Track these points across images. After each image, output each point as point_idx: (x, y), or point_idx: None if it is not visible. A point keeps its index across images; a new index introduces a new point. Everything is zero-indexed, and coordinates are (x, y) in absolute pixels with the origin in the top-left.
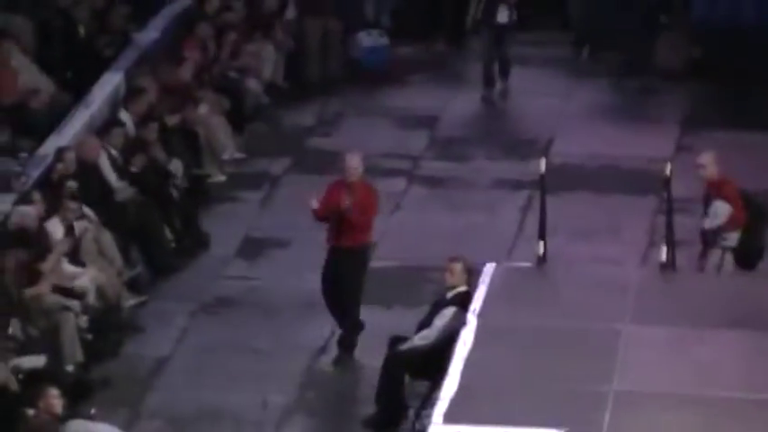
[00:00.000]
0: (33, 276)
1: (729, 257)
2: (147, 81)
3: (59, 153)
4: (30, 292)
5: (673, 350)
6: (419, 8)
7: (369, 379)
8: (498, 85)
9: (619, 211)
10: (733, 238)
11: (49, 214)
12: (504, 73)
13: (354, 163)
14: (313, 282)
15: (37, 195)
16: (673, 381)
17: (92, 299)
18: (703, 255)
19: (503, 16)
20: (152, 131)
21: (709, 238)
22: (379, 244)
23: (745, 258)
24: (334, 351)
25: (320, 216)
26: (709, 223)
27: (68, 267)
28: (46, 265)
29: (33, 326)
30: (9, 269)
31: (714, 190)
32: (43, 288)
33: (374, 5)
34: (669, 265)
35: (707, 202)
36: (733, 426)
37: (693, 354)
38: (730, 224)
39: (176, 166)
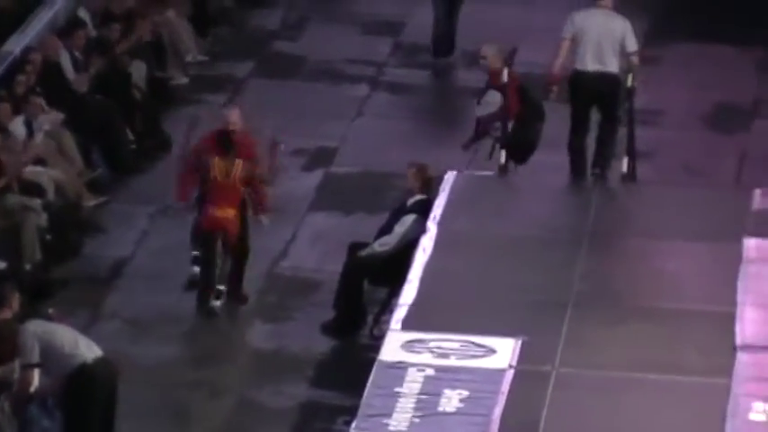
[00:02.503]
0: None
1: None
2: None
3: (25, 53)
4: None
5: (633, 261)
6: None
7: (328, 284)
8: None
9: None
10: (500, 129)
11: (13, 112)
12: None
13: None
14: (274, 185)
15: (1, 93)
16: (632, 291)
17: (52, 196)
18: (472, 142)
19: None
20: (114, 32)
21: (482, 128)
22: (340, 150)
23: (516, 150)
24: (294, 255)
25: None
26: (480, 111)
27: (29, 166)
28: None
29: None
30: None
31: (494, 79)
32: (3, 183)
33: None
34: (630, 177)
35: (484, 91)
36: (691, 337)
37: (653, 265)
38: (501, 115)
39: (139, 67)
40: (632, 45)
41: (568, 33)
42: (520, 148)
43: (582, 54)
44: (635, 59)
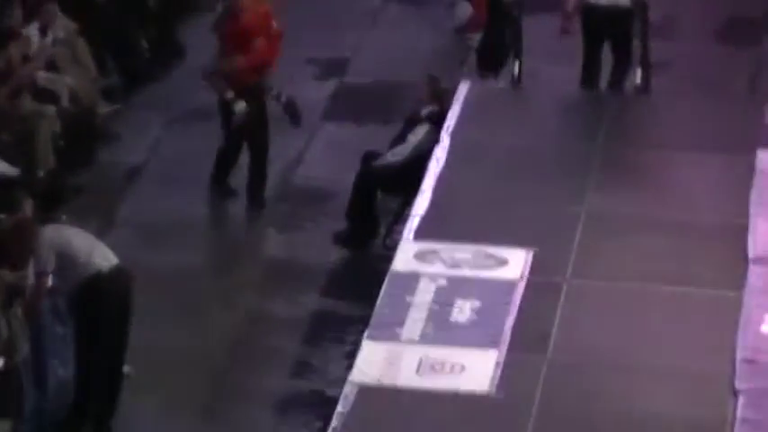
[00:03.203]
0: (7, 80)
1: (475, 57)
2: None
3: None
4: (3, 93)
5: (644, 172)
6: None
7: (341, 194)
8: None
9: None
10: (475, 40)
11: (26, 19)
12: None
13: None
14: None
15: None
16: (643, 204)
17: (65, 103)
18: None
19: None
20: None
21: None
22: (352, 60)
23: (488, 59)
24: (307, 165)
25: None
26: (452, 24)
27: (42, 73)
28: (22, 71)
29: (7, 132)
30: None
31: None
32: (13, 86)
33: None
34: (644, 88)
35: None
36: (703, 250)
37: (665, 177)
38: (472, 26)
39: None
40: None
41: None
42: (489, 56)
43: None
44: None
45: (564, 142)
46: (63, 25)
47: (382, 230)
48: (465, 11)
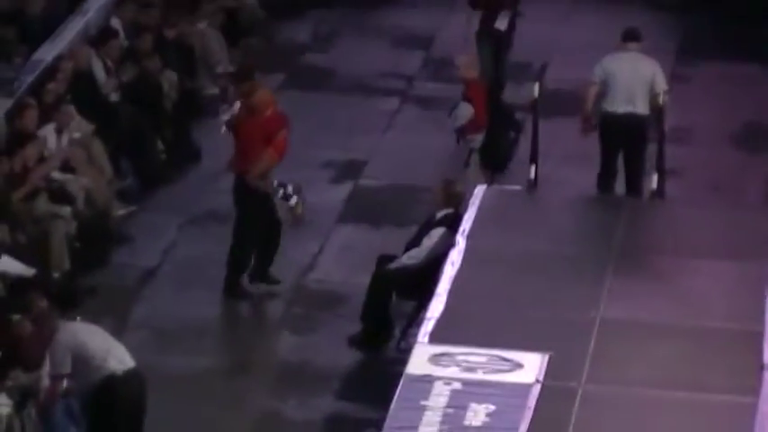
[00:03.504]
0: (23, 181)
1: (476, 157)
2: None
3: (56, 61)
4: (19, 194)
5: (660, 280)
6: None
7: (356, 297)
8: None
9: None
10: (477, 140)
11: (42, 120)
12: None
13: None
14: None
15: (31, 101)
16: (658, 310)
17: (81, 205)
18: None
19: (501, 23)
20: (146, 42)
21: (457, 139)
22: (369, 163)
23: (491, 159)
24: (321, 268)
25: None
26: (451, 124)
27: (58, 174)
28: (38, 171)
29: (22, 232)
30: (2, 173)
31: (467, 90)
32: (29, 187)
33: None
34: (659, 194)
35: (457, 103)
36: (718, 356)
37: (680, 283)
38: (472, 126)
39: (170, 77)
40: (661, 85)
41: (597, 77)
42: (493, 158)
43: (612, 97)
44: (664, 98)
45: (579, 246)
46: (79, 126)
47: (397, 333)
48: (465, 112)
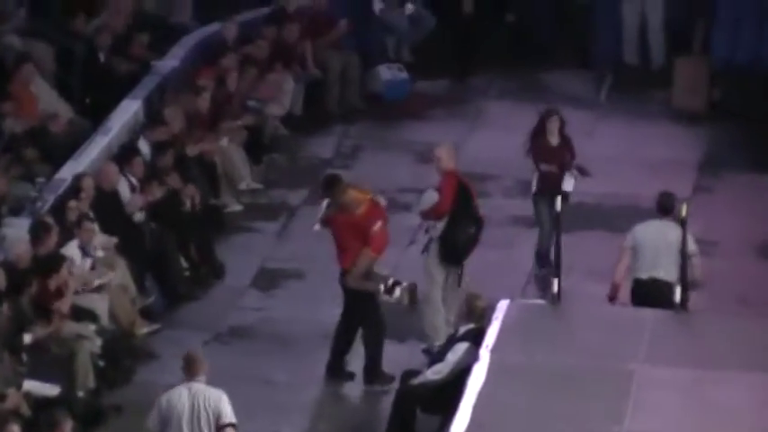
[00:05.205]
0: (49, 305)
1: (435, 245)
2: (172, 111)
3: (79, 180)
4: (45, 330)
5: (686, 392)
6: (440, 43)
7: (381, 412)
8: None
9: None
10: (438, 228)
11: (64, 239)
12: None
13: None
14: (327, 313)
15: (51, 220)
16: (685, 423)
17: (105, 323)
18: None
19: (568, 184)
20: (169, 159)
21: (423, 224)
22: (393, 277)
23: (448, 249)
24: (347, 383)
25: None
26: (415, 209)
27: (82, 292)
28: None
29: (48, 353)
30: (30, 295)
31: (442, 180)
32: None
33: (395, 40)
34: (683, 306)
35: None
36: None
37: (707, 396)
38: (432, 213)
39: (193, 194)
40: (692, 248)
41: (629, 243)
42: (449, 249)
43: (640, 264)
44: (696, 260)
45: (603, 360)
46: (102, 244)
47: None
48: (430, 198)
